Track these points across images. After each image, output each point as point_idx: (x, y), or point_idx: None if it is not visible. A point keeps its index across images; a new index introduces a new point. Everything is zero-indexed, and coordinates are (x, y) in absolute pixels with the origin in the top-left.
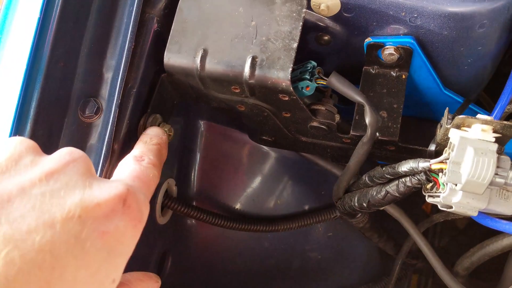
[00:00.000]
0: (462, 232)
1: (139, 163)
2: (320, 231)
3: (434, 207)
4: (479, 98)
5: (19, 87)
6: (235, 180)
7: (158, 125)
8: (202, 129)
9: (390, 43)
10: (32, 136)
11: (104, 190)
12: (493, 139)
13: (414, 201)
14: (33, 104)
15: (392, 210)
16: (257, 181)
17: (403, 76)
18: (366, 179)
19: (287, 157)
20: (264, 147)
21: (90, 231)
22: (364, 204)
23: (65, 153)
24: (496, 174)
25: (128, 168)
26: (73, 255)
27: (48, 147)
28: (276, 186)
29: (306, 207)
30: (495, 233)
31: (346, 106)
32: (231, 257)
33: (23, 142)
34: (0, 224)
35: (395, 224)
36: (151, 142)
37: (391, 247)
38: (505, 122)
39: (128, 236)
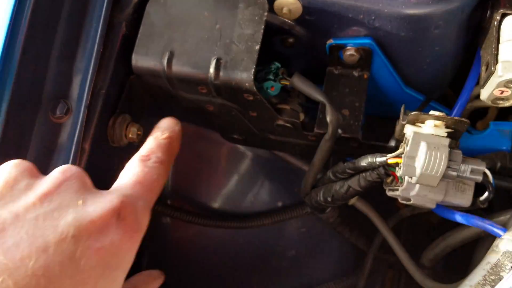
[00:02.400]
0: (435, 228)
1: (144, 163)
2: (294, 227)
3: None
4: (445, 96)
5: None
6: (209, 179)
7: (127, 125)
8: None
9: (351, 44)
10: (4, 136)
11: (98, 206)
12: (445, 134)
13: (387, 198)
14: (4, 106)
15: (361, 206)
16: (231, 180)
17: (365, 76)
18: (330, 174)
19: (260, 155)
20: (238, 146)
21: (84, 249)
22: (329, 198)
23: (59, 173)
24: (448, 167)
25: (131, 172)
26: (68, 275)
27: (19, 146)
28: (250, 184)
29: (280, 204)
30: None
31: (314, 106)
32: (206, 254)
33: (18, 166)
34: None
35: (367, 219)
36: (162, 136)
37: (363, 242)
38: (456, 117)
39: (124, 249)
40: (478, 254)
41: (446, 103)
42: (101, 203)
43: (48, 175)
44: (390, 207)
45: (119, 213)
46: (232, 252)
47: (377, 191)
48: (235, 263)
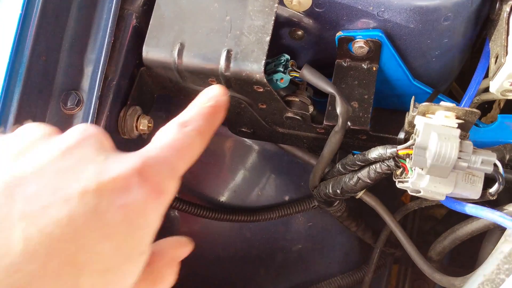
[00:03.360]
0: (440, 222)
1: (180, 129)
2: (301, 221)
3: (412, 198)
4: (451, 90)
5: (1, 79)
6: (216, 172)
7: (138, 117)
8: None
9: (360, 37)
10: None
11: (119, 164)
12: (456, 125)
13: (393, 192)
14: (16, 96)
15: (368, 199)
16: (238, 174)
17: (374, 68)
18: (339, 167)
19: (267, 149)
20: (245, 140)
21: (108, 204)
22: (338, 191)
23: (80, 130)
24: (459, 158)
25: (163, 135)
26: (94, 227)
27: None
28: (257, 178)
29: (287, 198)
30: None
31: (322, 99)
32: (214, 248)
33: (39, 126)
34: (15, 201)
35: (373, 213)
36: (206, 103)
37: (370, 236)
38: (467, 108)
39: (149, 209)
40: (486, 246)
41: (451, 96)
42: (122, 162)
43: (68, 131)
44: (395, 202)
45: (141, 173)
46: (239, 245)
47: (382, 185)
48: (242, 257)
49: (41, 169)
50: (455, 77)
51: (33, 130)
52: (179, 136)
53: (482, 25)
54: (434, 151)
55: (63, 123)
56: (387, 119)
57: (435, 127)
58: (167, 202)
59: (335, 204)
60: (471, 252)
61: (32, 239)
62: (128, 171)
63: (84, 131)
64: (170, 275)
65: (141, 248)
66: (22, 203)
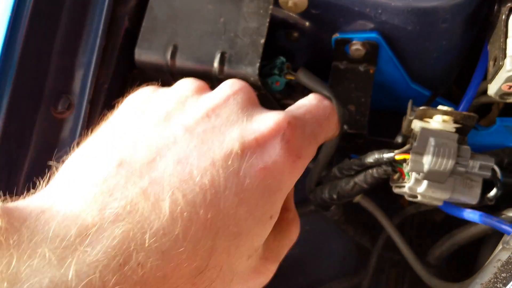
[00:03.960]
0: (439, 226)
1: (321, 101)
2: None
3: (410, 202)
4: (450, 92)
5: None
6: None
7: None
8: None
9: (357, 39)
10: (4, 132)
11: (263, 122)
12: (454, 129)
13: (391, 196)
14: (5, 100)
15: (366, 203)
16: None
17: (371, 71)
18: (336, 171)
19: None
20: None
21: (248, 167)
22: (334, 195)
23: (226, 87)
24: (456, 163)
25: (305, 101)
26: (233, 192)
27: (20, 141)
28: None
29: None
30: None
31: None
32: None
33: (191, 84)
34: (167, 166)
35: (371, 217)
36: None
37: (367, 240)
38: (465, 112)
39: (285, 172)
40: (484, 252)
41: (449, 99)
42: (266, 120)
43: (215, 89)
44: (394, 205)
45: (283, 134)
46: None
47: (381, 189)
48: None
49: (189, 130)
50: (453, 79)
51: (186, 86)
52: (319, 105)
53: (481, 27)
54: (431, 156)
55: (54, 127)
56: (384, 122)
57: (432, 132)
58: (303, 167)
59: (332, 208)
60: (469, 256)
61: (176, 205)
62: (272, 130)
63: (231, 88)
64: (296, 228)
65: (272, 212)
66: (171, 168)
